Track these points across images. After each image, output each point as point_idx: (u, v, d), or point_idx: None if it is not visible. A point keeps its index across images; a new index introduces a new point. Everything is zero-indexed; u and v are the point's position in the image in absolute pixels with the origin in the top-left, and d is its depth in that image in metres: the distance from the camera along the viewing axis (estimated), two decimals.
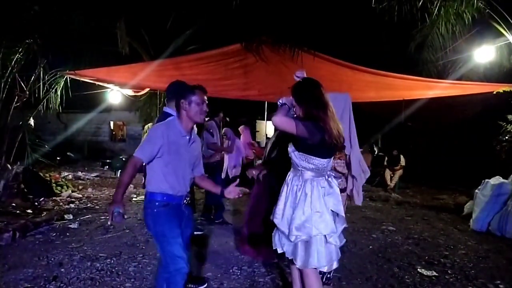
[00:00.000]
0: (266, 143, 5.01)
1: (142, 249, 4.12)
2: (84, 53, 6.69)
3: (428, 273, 3.67)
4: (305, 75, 2.44)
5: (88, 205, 6.41)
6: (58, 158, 11.01)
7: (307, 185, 2.28)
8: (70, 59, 6.43)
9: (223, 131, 6.33)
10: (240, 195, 2.50)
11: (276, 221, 2.39)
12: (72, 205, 6.27)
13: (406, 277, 3.58)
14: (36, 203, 5.96)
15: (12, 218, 4.86)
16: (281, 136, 3.35)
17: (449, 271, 3.76)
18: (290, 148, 2.34)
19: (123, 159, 10.76)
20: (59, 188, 7.16)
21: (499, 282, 3.52)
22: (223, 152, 5.81)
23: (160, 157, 2.28)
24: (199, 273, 3.49)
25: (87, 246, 4.16)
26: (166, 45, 8.26)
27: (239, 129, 7.10)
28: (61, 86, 6.51)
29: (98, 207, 6.29)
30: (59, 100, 6.58)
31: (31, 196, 6.14)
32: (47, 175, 7.79)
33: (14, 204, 5.65)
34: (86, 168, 11.30)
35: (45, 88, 6.28)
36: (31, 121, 6.59)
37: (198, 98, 2.36)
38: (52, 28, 5.80)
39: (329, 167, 2.38)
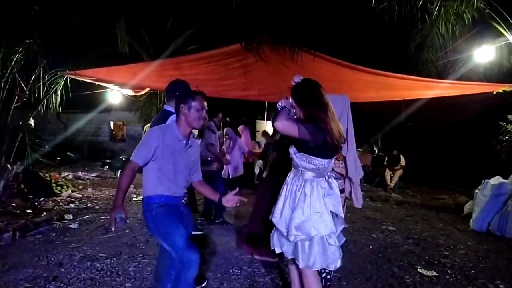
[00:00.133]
0: (266, 143, 5.03)
1: (142, 249, 4.12)
2: (84, 53, 6.68)
3: (428, 273, 3.67)
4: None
5: (88, 205, 6.41)
6: (58, 158, 11.01)
7: (306, 185, 2.28)
8: (70, 59, 6.42)
9: (224, 131, 6.33)
10: (238, 204, 2.50)
11: (274, 220, 2.39)
12: (72, 205, 6.27)
13: (406, 277, 3.58)
14: (36, 203, 5.96)
15: (12, 218, 4.86)
16: (282, 138, 3.36)
17: (449, 271, 3.76)
18: (292, 150, 2.35)
19: (123, 159, 10.77)
20: (59, 188, 7.16)
21: (499, 282, 3.52)
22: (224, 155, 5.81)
23: (154, 160, 2.30)
24: (199, 272, 3.49)
25: (87, 246, 4.16)
26: (166, 45, 8.26)
27: (238, 129, 7.11)
28: (61, 86, 6.51)
29: (98, 207, 6.29)
30: (59, 100, 6.58)
31: (31, 196, 6.14)
32: (47, 175, 7.79)
33: (14, 204, 5.65)
34: (86, 168, 11.30)
35: (45, 88, 6.29)
36: (31, 121, 6.59)
37: (198, 104, 2.36)
38: (52, 28, 5.80)
39: (330, 167, 2.38)
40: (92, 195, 7.33)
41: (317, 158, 2.26)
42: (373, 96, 8.34)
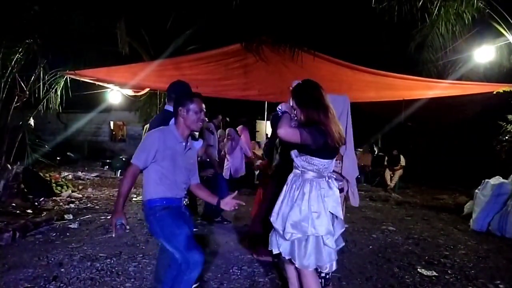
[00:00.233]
0: (266, 143, 5.02)
1: (142, 249, 4.12)
2: (84, 53, 6.68)
3: (428, 273, 3.67)
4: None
5: (88, 205, 6.41)
6: (58, 158, 11.01)
7: (306, 185, 2.28)
8: (70, 59, 6.42)
9: (226, 132, 6.32)
10: (237, 207, 2.51)
11: (272, 219, 2.39)
12: (72, 205, 6.27)
13: (406, 277, 3.58)
14: (36, 203, 5.96)
15: (12, 218, 4.86)
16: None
17: (449, 271, 3.76)
18: (293, 152, 2.35)
19: (123, 159, 10.77)
20: (59, 188, 7.17)
21: (499, 282, 3.52)
22: (223, 152, 5.81)
23: (155, 162, 2.30)
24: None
25: (87, 246, 4.16)
26: (166, 45, 8.26)
27: (237, 129, 7.11)
28: (61, 86, 6.51)
29: (98, 207, 6.29)
30: (59, 100, 6.58)
31: (31, 196, 6.14)
32: (47, 175, 7.79)
33: (14, 204, 5.65)
34: (86, 168, 11.30)
35: (45, 88, 6.28)
36: (31, 121, 6.59)
37: (196, 106, 2.37)
38: (52, 28, 5.80)
39: (331, 168, 2.38)
40: (92, 195, 7.33)
41: (318, 159, 2.27)
42: (373, 96, 8.33)
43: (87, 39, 6.53)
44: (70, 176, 9.28)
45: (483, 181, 5.69)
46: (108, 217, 5.23)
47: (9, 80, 5.70)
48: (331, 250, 2.30)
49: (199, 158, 2.90)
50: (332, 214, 2.31)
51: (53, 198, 6.55)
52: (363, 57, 7.09)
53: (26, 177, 6.29)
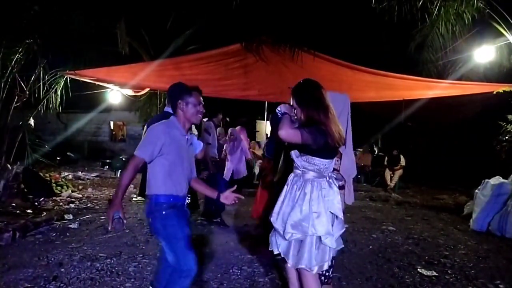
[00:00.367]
0: (266, 143, 5.03)
1: (142, 249, 4.12)
2: (84, 53, 6.67)
3: (428, 273, 3.67)
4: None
5: (88, 205, 6.41)
6: (58, 158, 11.00)
7: (307, 185, 2.28)
8: (70, 59, 6.41)
9: (229, 132, 6.30)
10: (237, 201, 2.51)
11: (272, 219, 2.39)
12: (72, 205, 6.27)
13: (406, 277, 3.58)
14: (36, 203, 5.96)
15: (12, 218, 4.86)
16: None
17: (449, 271, 3.76)
18: (293, 153, 2.35)
19: (123, 159, 10.76)
20: (59, 188, 7.16)
21: (499, 282, 3.52)
22: (224, 152, 5.78)
23: (161, 156, 2.25)
24: (199, 273, 3.49)
25: (87, 246, 4.16)
26: (166, 45, 8.26)
27: (236, 129, 7.10)
28: (61, 86, 6.51)
29: (98, 207, 6.29)
30: (59, 100, 6.57)
31: (31, 196, 6.14)
32: (47, 175, 7.79)
33: (14, 204, 5.65)
34: (86, 168, 11.30)
35: (45, 88, 6.28)
36: (31, 121, 6.59)
37: (194, 99, 2.39)
38: (52, 28, 5.80)
39: (331, 168, 2.38)
40: (92, 195, 7.33)
41: (318, 159, 2.27)
42: (373, 96, 8.34)
43: (87, 39, 6.53)
44: (70, 176, 9.28)
45: (483, 181, 5.70)
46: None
47: (9, 80, 5.69)
48: (328, 249, 2.30)
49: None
50: (332, 214, 2.31)
51: (53, 198, 6.55)
52: (363, 57, 7.09)
53: (26, 177, 6.29)
